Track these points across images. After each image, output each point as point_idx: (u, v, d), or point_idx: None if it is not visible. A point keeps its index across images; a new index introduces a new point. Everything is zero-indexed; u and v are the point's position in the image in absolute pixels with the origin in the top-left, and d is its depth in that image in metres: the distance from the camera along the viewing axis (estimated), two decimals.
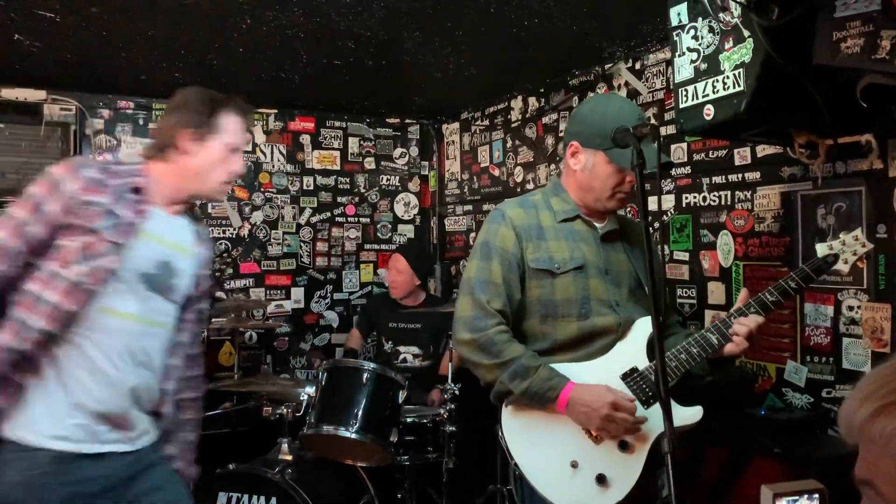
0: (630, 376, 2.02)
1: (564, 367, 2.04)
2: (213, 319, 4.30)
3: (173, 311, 2.04)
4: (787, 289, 2.02)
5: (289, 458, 3.28)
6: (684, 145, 3.43)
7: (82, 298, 1.83)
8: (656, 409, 1.95)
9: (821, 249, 2.06)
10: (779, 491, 1.62)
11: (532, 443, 2.06)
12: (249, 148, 4.99)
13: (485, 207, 5.00)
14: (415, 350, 4.24)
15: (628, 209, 3.58)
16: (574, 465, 2.00)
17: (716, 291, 3.26)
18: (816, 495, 1.66)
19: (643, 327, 2.06)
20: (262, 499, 3.05)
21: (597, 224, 2.19)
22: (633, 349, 2.05)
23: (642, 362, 2.03)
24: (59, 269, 1.82)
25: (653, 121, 3.59)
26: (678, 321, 2.46)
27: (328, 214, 5.23)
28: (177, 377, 2.09)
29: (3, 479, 1.80)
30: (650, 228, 1.93)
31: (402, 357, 4.23)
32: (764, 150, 3.04)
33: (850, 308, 2.72)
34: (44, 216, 1.83)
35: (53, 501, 1.81)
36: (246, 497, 3.07)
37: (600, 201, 2.13)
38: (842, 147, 2.55)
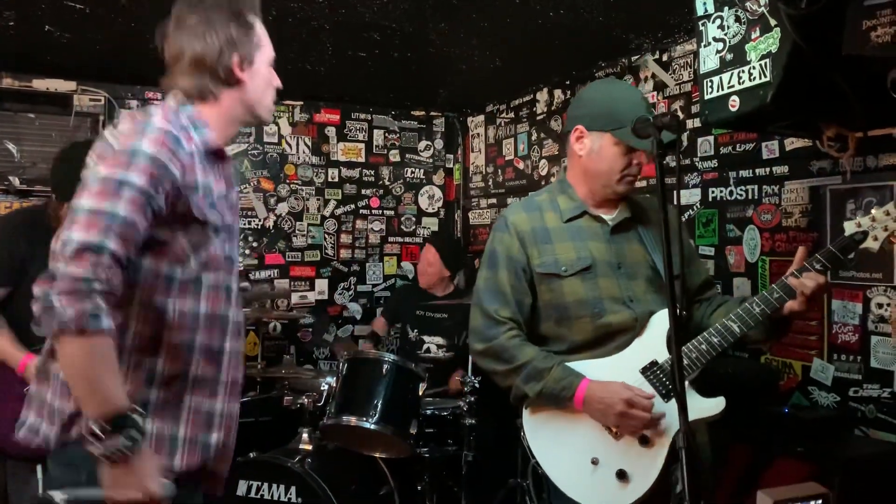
0: (650, 370, 2.00)
1: (582, 365, 2.02)
2: None
3: None
4: (812, 271, 1.97)
5: (309, 447, 3.30)
6: (711, 138, 3.38)
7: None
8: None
9: (849, 227, 1.95)
10: (780, 498, 1.53)
11: (552, 441, 2.05)
12: (276, 140, 5.03)
13: (509, 201, 4.98)
14: (439, 340, 4.24)
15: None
16: (594, 461, 1.98)
17: (741, 287, 3.21)
18: (820, 501, 1.56)
19: (661, 320, 2.03)
20: (282, 488, 3.07)
21: (606, 216, 2.14)
22: (652, 343, 2.02)
23: (662, 355, 2.00)
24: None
25: (679, 113, 3.54)
26: (717, 293, 2.38)
27: (352, 206, 5.24)
28: None
29: None
30: (673, 215, 1.89)
31: (425, 347, 4.23)
32: (792, 143, 2.98)
33: (880, 305, 2.66)
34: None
35: None
36: (266, 486, 3.09)
37: (609, 186, 2.09)
38: (872, 140, 2.50)
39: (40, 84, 4.32)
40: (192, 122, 1.64)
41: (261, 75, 1.74)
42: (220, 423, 1.71)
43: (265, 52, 1.75)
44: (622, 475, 1.95)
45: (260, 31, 1.74)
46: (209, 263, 1.65)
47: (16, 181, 4.22)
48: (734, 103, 2.17)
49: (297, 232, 5.07)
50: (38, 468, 2.54)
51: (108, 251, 1.44)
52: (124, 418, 1.44)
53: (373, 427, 3.07)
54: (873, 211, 1.93)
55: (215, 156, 1.69)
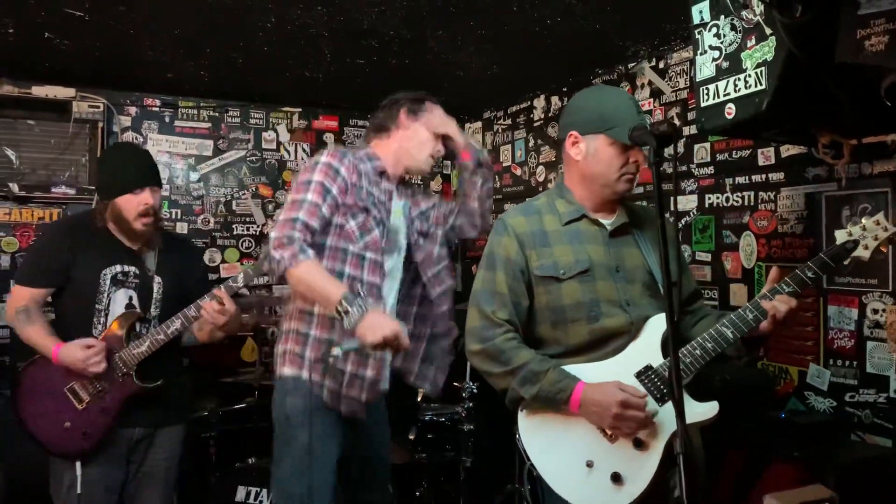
0: (644, 374, 2.00)
1: (578, 369, 2.03)
2: None
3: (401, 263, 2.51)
4: (804, 279, 1.97)
5: None
6: (707, 145, 3.40)
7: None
8: (671, 405, 1.92)
9: (840, 236, 1.98)
10: (788, 502, 1.54)
11: (548, 444, 2.06)
12: (274, 146, 5.04)
13: (506, 207, 4.99)
14: None
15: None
16: (589, 464, 1.98)
17: (738, 293, 3.23)
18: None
19: (657, 324, 2.04)
20: None
21: (604, 221, 2.15)
22: (647, 347, 2.03)
23: (657, 360, 2.01)
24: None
25: (675, 120, 3.57)
26: (704, 305, 2.41)
27: None
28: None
29: None
30: (670, 226, 1.91)
31: None
32: (788, 150, 3.00)
33: (875, 311, 2.68)
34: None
35: None
36: (265, 491, 3.10)
37: (608, 186, 2.09)
38: (867, 147, 2.51)
39: (39, 91, 4.33)
40: (367, 156, 2.43)
41: (422, 134, 2.47)
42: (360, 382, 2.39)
43: (430, 119, 2.49)
44: (617, 478, 1.95)
45: (431, 107, 2.53)
46: (370, 245, 2.34)
47: (15, 187, 4.23)
48: (730, 111, 2.19)
49: None
50: (78, 465, 2.59)
51: (301, 220, 2.22)
52: (351, 295, 2.12)
53: None
54: (863, 220, 1.96)
55: (381, 175, 2.42)
